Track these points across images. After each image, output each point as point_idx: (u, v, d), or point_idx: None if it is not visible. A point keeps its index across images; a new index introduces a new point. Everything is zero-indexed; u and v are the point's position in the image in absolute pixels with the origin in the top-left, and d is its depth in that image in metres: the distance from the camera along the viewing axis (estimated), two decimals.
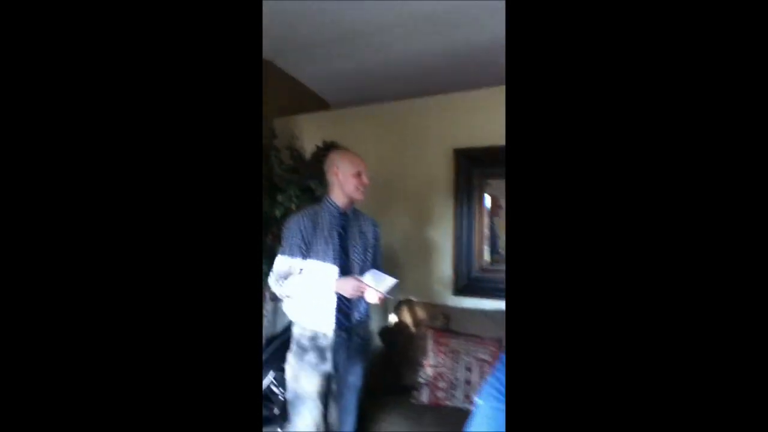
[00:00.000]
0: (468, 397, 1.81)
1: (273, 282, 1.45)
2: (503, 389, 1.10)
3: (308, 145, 2.70)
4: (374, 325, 2.55)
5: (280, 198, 2.28)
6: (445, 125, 2.41)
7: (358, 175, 1.45)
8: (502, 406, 1.08)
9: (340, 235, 1.46)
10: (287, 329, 1.66)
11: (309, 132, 2.80)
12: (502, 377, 1.13)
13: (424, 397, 1.84)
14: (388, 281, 1.40)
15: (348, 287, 1.35)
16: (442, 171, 2.38)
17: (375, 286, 1.36)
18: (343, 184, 1.46)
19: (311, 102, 3.09)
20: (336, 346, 1.43)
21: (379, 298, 1.37)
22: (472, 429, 1.15)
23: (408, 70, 2.63)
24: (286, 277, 1.43)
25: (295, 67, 2.75)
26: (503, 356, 1.29)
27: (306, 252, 1.43)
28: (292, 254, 1.42)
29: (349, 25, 2.29)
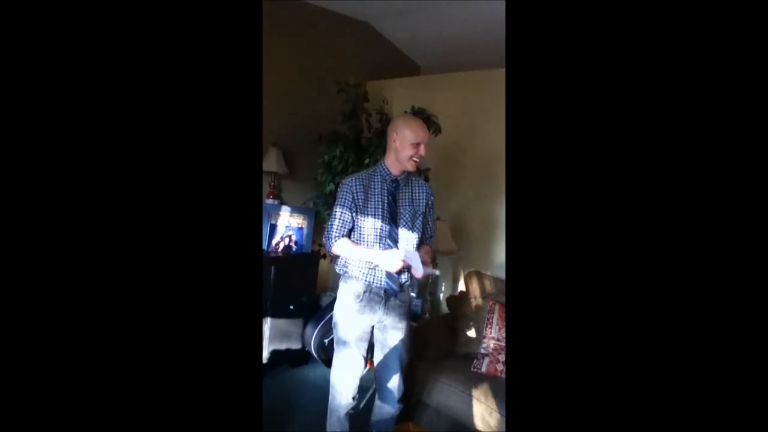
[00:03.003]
0: None
1: (325, 238, 1.54)
2: None
3: (397, 109, 2.75)
4: (442, 292, 2.65)
5: (366, 160, 2.39)
6: None
7: (417, 145, 1.44)
8: None
9: (389, 201, 1.49)
10: None
11: (399, 96, 2.84)
12: None
13: (483, 367, 1.91)
14: (425, 269, 1.42)
15: (389, 262, 1.39)
16: None
17: (413, 260, 1.39)
18: (399, 151, 1.45)
19: (404, 66, 3.10)
20: (377, 305, 1.50)
21: (423, 275, 1.41)
22: None
23: (501, 37, 2.51)
24: (338, 233, 1.50)
25: (392, 30, 2.76)
26: None
27: (355, 213, 1.49)
28: (342, 214, 1.50)
29: None
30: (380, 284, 1.47)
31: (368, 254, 1.46)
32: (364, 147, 2.49)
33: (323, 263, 2.70)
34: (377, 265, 1.46)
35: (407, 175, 1.55)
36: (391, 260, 1.39)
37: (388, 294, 1.49)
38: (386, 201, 1.49)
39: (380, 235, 1.47)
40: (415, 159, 1.46)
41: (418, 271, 1.41)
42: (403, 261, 1.38)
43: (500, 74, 2.46)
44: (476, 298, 2.17)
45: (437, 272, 1.53)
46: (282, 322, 2.35)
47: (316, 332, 2.39)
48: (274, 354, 2.32)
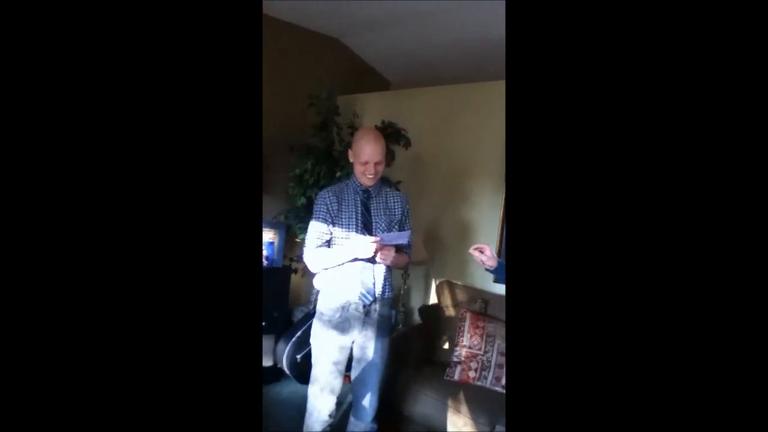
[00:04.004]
0: (498, 380, 1.87)
1: (305, 256, 1.53)
2: None
3: (368, 124, 2.79)
4: (415, 302, 2.67)
5: (338, 173, 2.39)
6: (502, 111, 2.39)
7: (364, 163, 1.47)
8: None
9: (362, 211, 1.52)
10: None
11: (370, 110, 2.88)
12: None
13: (456, 374, 1.92)
14: (402, 234, 1.46)
15: (362, 248, 1.40)
16: (496, 157, 2.38)
17: (388, 241, 1.43)
18: (354, 165, 1.52)
19: (374, 81, 3.15)
20: (355, 321, 1.49)
21: (392, 261, 1.46)
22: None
23: (470, 52, 2.61)
24: (314, 244, 1.50)
25: (361, 45, 2.81)
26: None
27: (332, 225, 1.50)
28: (317, 226, 1.50)
29: (413, 6, 2.30)
30: (356, 299, 1.46)
31: (341, 251, 1.46)
32: (335, 159, 2.50)
33: (295, 277, 2.67)
34: (353, 279, 1.46)
35: (380, 185, 1.58)
36: (363, 246, 1.39)
37: (366, 309, 1.48)
38: (359, 211, 1.52)
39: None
40: (367, 175, 1.49)
41: (393, 241, 1.43)
42: (376, 243, 1.39)
43: (468, 88, 2.56)
44: (448, 308, 2.20)
45: (408, 231, 1.54)
46: None
47: (288, 348, 2.34)
48: None
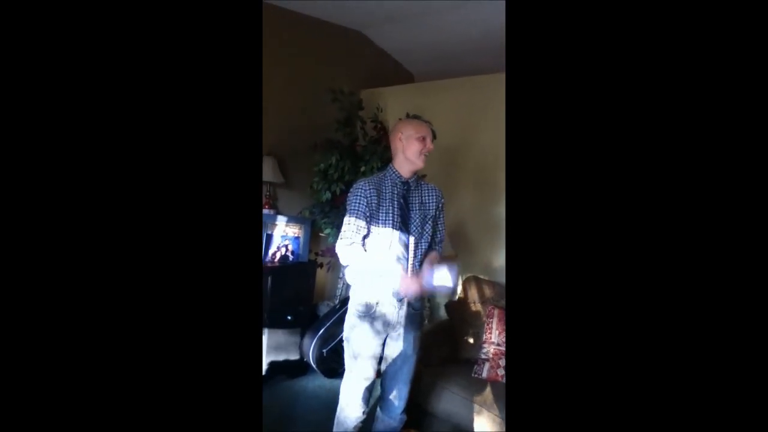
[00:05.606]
0: None
1: (338, 248, 1.48)
2: None
3: (392, 117, 2.76)
4: (440, 298, 2.63)
5: (363, 168, 2.38)
6: None
7: (422, 139, 1.43)
8: None
9: (400, 204, 1.47)
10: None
11: (393, 104, 2.85)
12: None
13: (484, 372, 1.89)
14: (451, 277, 1.39)
15: (405, 286, 1.37)
16: None
17: (436, 282, 1.37)
18: (406, 148, 1.45)
19: (397, 73, 3.11)
20: (389, 316, 1.46)
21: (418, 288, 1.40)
22: None
23: (494, 44, 2.54)
24: (352, 239, 1.45)
25: (384, 38, 2.78)
26: None
27: (369, 219, 1.43)
28: (355, 220, 1.43)
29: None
30: (390, 294, 1.44)
31: (379, 269, 1.42)
32: (359, 155, 2.49)
33: (320, 272, 2.68)
34: (387, 274, 1.43)
35: (416, 178, 1.53)
36: (406, 285, 1.36)
37: (400, 304, 1.46)
38: (397, 204, 1.46)
39: (392, 240, 1.43)
40: (424, 153, 1.45)
41: (440, 282, 1.38)
42: (419, 281, 1.36)
43: (493, 79, 2.49)
44: (475, 304, 2.16)
45: (449, 285, 1.45)
46: (280, 333, 2.33)
47: (314, 343, 2.36)
48: (272, 365, 2.29)
